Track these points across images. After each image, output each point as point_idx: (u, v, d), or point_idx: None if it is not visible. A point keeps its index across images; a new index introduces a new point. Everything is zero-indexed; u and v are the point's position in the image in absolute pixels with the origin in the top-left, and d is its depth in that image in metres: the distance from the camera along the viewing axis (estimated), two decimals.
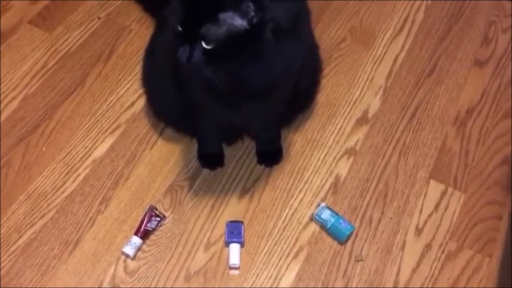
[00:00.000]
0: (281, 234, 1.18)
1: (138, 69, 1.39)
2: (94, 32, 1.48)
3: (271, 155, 1.27)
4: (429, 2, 1.60)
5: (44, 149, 1.27)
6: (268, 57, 0.91)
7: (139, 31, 1.48)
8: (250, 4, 0.84)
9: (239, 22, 0.84)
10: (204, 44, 0.85)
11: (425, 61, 1.47)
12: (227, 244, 1.14)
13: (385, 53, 1.48)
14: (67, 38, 1.46)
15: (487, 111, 1.39)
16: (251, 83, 0.93)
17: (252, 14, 0.84)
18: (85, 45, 1.45)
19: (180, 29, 0.86)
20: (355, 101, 1.38)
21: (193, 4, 0.85)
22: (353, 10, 1.56)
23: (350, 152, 1.30)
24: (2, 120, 1.31)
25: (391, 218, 1.21)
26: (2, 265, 1.11)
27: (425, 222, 1.21)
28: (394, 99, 1.39)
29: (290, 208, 1.21)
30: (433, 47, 1.50)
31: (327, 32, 1.50)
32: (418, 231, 1.20)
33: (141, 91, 1.36)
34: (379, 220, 1.21)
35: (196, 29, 0.85)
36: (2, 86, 1.37)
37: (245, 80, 0.92)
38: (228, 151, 1.28)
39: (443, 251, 1.17)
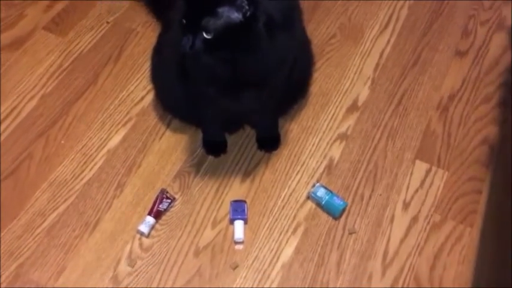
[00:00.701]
0: (281, 212, 1.29)
1: (145, 67, 1.52)
2: (104, 35, 1.60)
3: (270, 141, 1.38)
4: (412, 1, 1.72)
5: (62, 142, 1.39)
6: (261, 47, 1.03)
7: (145, 33, 1.60)
8: None
9: (235, 15, 0.97)
10: (204, 34, 0.98)
11: (410, 53, 1.59)
12: (232, 221, 1.26)
13: (372, 47, 1.59)
14: (79, 42, 1.58)
15: (468, 97, 1.50)
16: (245, 70, 1.05)
17: (246, 7, 0.96)
18: (96, 47, 1.57)
19: (184, 21, 0.98)
20: (346, 91, 1.50)
21: (195, 0, 0.97)
22: (342, 9, 1.68)
23: (342, 137, 1.42)
24: (23, 117, 1.42)
25: (380, 195, 1.32)
26: (28, 246, 1.23)
27: (412, 197, 1.32)
28: (382, 88, 1.51)
29: (288, 188, 1.33)
30: (416, 40, 1.62)
31: (318, 29, 1.62)
32: (406, 205, 1.31)
33: (149, 87, 1.48)
34: (370, 197, 1.32)
35: (198, 21, 0.97)
36: (21, 86, 1.48)
37: (240, 68, 1.04)
38: (230, 139, 1.39)
39: (428, 223, 1.29)
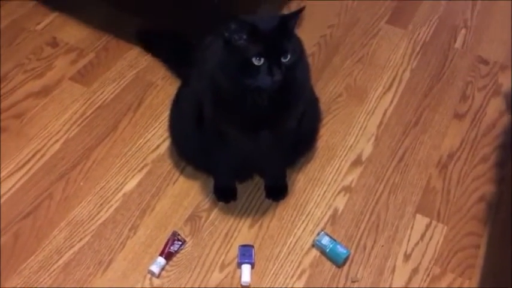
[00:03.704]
0: (286, 258, 1.34)
1: (162, 117, 1.62)
2: (125, 87, 1.71)
3: (277, 190, 1.46)
4: (414, 64, 1.84)
5: (81, 184, 1.47)
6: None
7: (164, 86, 1.71)
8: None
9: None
10: (283, 59, 1.09)
11: (411, 114, 1.69)
12: (239, 265, 1.31)
13: (376, 107, 1.70)
14: (102, 92, 1.69)
15: (466, 157, 1.59)
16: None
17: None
18: (117, 97, 1.68)
19: (262, 60, 1.08)
20: (351, 146, 1.59)
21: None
22: (348, 71, 1.80)
23: (346, 189, 1.49)
24: (46, 159, 1.51)
25: (382, 246, 1.38)
26: (44, 281, 1.28)
27: (413, 249, 1.38)
28: (384, 145, 1.60)
29: (294, 236, 1.39)
30: (417, 102, 1.72)
31: (326, 88, 1.73)
32: (406, 257, 1.37)
33: (165, 136, 1.57)
34: (372, 247, 1.38)
35: (277, 52, 1.09)
36: (46, 131, 1.58)
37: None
38: (240, 187, 1.47)
39: (428, 275, 1.33)
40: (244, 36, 1.09)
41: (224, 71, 1.13)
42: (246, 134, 1.24)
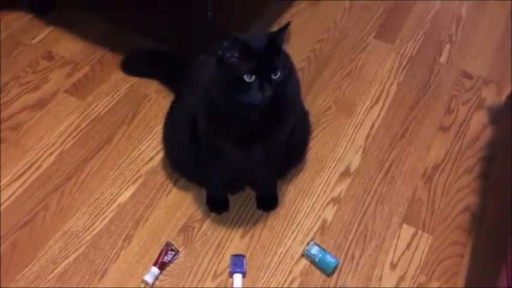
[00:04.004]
0: (277, 267, 1.38)
1: (156, 130, 1.65)
2: (119, 100, 1.74)
3: (268, 201, 1.50)
4: (401, 78, 1.90)
5: (76, 195, 1.50)
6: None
7: (158, 99, 1.75)
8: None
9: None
10: (273, 76, 1.13)
11: (398, 126, 1.74)
12: (231, 274, 1.35)
13: (364, 119, 1.75)
14: (97, 105, 1.72)
15: (450, 168, 1.64)
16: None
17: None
18: (112, 110, 1.71)
19: (253, 77, 1.12)
20: (339, 158, 1.63)
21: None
22: (337, 84, 1.85)
23: (335, 200, 1.54)
24: (41, 171, 1.54)
25: (370, 255, 1.42)
26: None
27: (399, 258, 1.42)
28: (372, 156, 1.65)
29: (284, 246, 1.43)
30: (404, 114, 1.78)
31: (315, 102, 1.78)
32: (393, 266, 1.41)
33: (158, 148, 1.61)
34: (360, 256, 1.42)
35: (268, 69, 1.13)
36: (41, 143, 1.61)
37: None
38: (232, 198, 1.51)
39: (414, 283, 1.38)
40: (236, 54, 1.13)
41: (217, 87, 1.18)
42: (239, 147, 1.29)
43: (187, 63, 1.51)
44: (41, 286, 1.31)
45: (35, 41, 1.89)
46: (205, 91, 1.22)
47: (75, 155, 1.59)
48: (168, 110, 1.53)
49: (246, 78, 1.13)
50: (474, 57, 1.99)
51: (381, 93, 1.84)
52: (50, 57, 1.84)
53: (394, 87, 1.86)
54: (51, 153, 1.59)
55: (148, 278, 1.32)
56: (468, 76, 1.92)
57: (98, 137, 1.64)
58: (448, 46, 2.02)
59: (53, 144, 1.61)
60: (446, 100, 1.83)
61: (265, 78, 1.13)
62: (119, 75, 1.82)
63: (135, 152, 1.61)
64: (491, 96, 1.85)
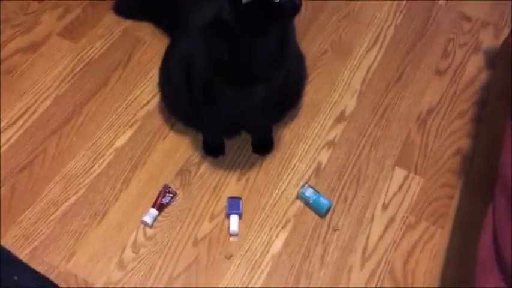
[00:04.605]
0: (272, 209, 1.42)
1: (151, 73, 1.65)
2: (113, 43, 1.72)
3: (264, 146, 1.52)
4: (399, 20, 1.87)
5: (74, 139, 1.51)
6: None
7: (152, 42, 1.73)
8: None
9: None
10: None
11: (394, 70, 1.74)
12: (228, 215, 1.39)
13: (360, 63, 1.74)
14: (90, 48, 1.70)
15: (444, 112, 1.65)
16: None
17: None
18: (106, 53, 1.69)
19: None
20: (335, 102, 1.64)
21: None
22: (333, 27, 1.83)
23: (330, 144, 1.56)
24: (38, 115, 1.55)
25: (362, 197, 1.46)
26: (42, 231, 1.35)
27: (391, 200, 1.47)
28: (367, 101, 1.66)
29: (279, 188, 1.46)
30: (400, 58, 1.77)
31: (311, 46, 1.76)
32: (384, 207, 1.45)
33: (154, 92, 1.61)
34: (353, 198, 1.46)
35: None
36: (36, 87, 1.60)
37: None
38: (228, 142, 1.52)
39: (404, 223, 1.43)
40: None
41: (220, 26, 1.16)
42: (240, 90, 1.27)
43: (182, 4, 1.48)
44: (43, 227, 1.35)
45: None
46: (205, 34, 1.20)
47: (71, 99, 1.59)
48: (163, 54, 1.52)
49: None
50: None
51: (378, 36, 1.82)
52: None
53: (391, 30, 1.84)
54: (47, 97, 1.59)
55: (148, 219, 1.36)
56: (467, 18, 1.89)
57: (93, 81, 1.63)
58: None
59: (48, 88, 1.61)
60: (443, 43, 1.82)
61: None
62: (111, 18, 1.78)
63: (131, 96, 1.61)
64: (489, 40, 1.84)
